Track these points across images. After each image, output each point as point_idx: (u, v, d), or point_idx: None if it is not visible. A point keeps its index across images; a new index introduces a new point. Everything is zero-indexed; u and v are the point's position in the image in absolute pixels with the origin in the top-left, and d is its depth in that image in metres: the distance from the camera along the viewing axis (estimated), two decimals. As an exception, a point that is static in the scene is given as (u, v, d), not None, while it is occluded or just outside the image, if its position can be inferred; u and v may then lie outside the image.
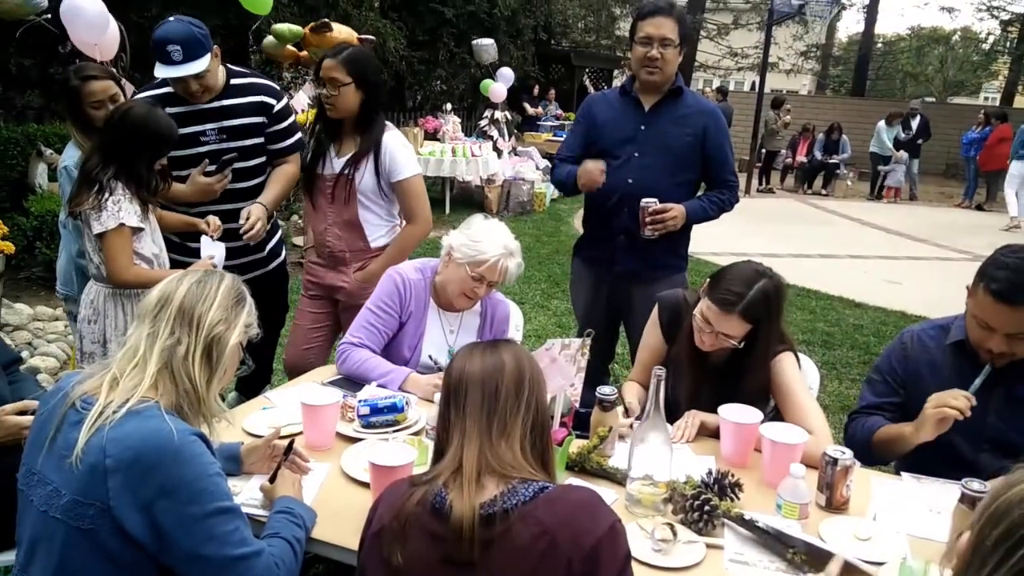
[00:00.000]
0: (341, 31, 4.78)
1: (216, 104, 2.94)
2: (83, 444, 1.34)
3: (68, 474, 1.36)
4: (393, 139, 2.91)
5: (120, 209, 2.51)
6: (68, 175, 2.85)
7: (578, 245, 3.23)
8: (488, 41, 10.32)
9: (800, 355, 2.64)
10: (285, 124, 3.08)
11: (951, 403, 1.88)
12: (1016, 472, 1.02)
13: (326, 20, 5.12)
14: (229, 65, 3.02)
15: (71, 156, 2.90)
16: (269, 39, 5.42)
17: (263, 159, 3.08)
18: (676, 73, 2.92)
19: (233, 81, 2.99)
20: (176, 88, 2.89)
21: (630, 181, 2.88)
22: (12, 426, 1.85)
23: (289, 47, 5.34)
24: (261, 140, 3.04)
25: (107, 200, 2.50)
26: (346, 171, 2.89)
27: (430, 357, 2.51)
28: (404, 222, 3.05)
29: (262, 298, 2.58)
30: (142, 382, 1.42)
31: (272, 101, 3.03)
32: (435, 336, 2.54)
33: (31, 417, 1.80)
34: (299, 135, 3.18)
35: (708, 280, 2.18)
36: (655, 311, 2.40)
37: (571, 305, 3.47)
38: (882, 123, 13.98)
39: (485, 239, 2.37)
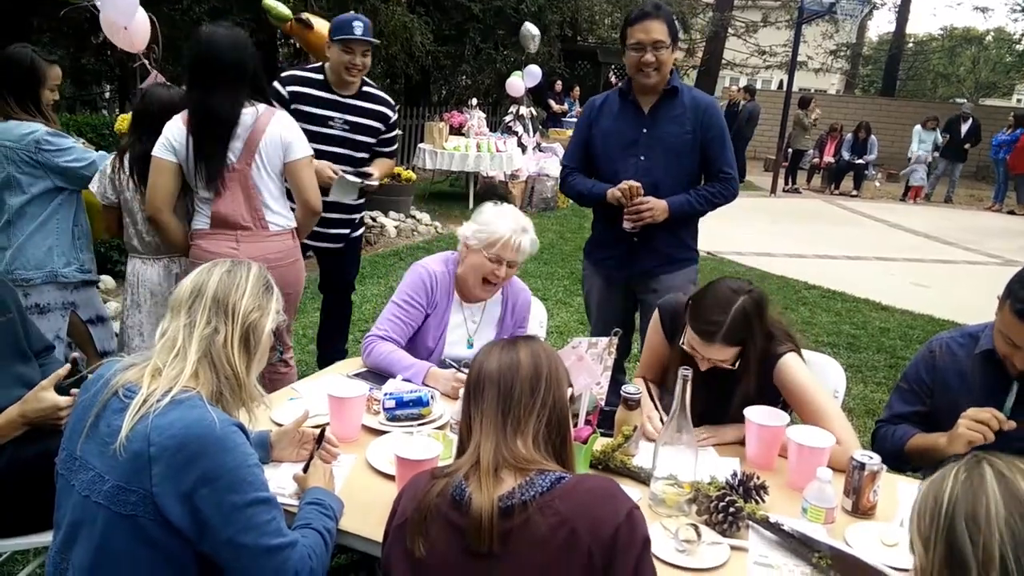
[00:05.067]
0: (321, 30, 4.70)
1: (350, 101, 3.56)
2: (127, 431, 1.37)
3: (111, 460, 1.38)
4: None
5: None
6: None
7: (588, 248, 3.27)
8: (535, 31, 10.33)
9: (825, 357, 2.64)
10: (393, 134, 3.77)
11: (982, 428, 1.88)
12: (929, 487, 1.10)
13: (307, 18, 5.00)
14: (364, 78, 3.65)
15: None
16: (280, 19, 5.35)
17: (368, 156, 3.69)
18: (672, 72, 2.95)
19: (365, 88, 3.62)
20: (345, 60, 3.42)
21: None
22: (50, 405, 1.86)
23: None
24: (373, 141, 3.66)
25: None
26: None
27: (451, 360, 2.54)
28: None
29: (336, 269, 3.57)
30: (184, 371, 1.44)
31: (390, 114, 3.69)
32: (458, 327, 2.58)
33: (67, 398, 1.84)
34: (397, 143, 3.89)
35: (689, 303, 2.14)
36: (655, 317, 2.40)
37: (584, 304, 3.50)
38: (918, 127, 13.80)
39: (496, 220, 2.44)
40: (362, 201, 3.79)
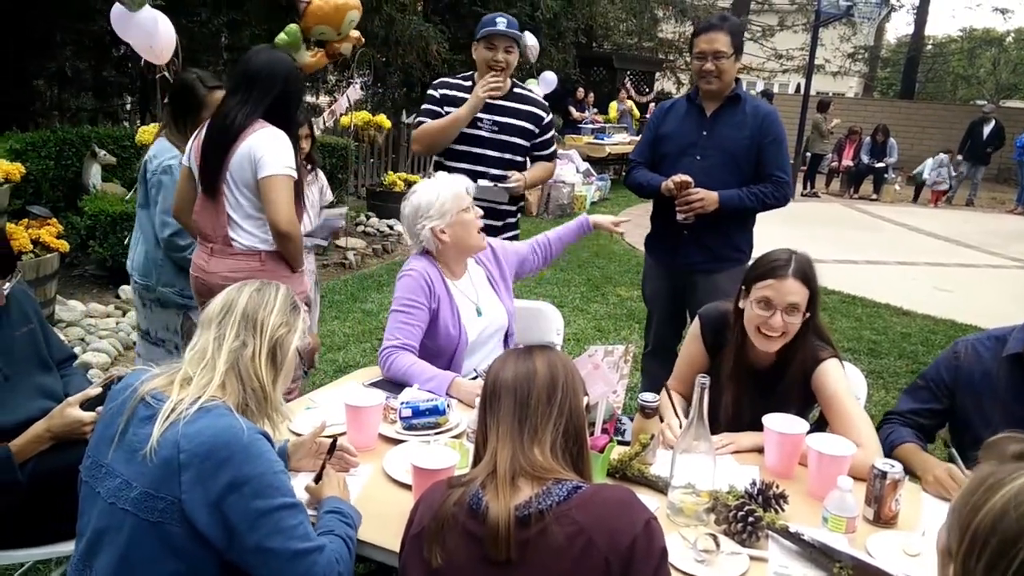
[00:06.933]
0: (321, 3, 4.67)
1: (499, 102, 3.47)
2: (157, 438, 1.39)
3: (140, 467, 1.41)
4: None
5: None
6: (171, 171, 3.04)
7: (647, 240, 3.46)
8: (531, 41, 10.32)
9: (845, 363, 2.61)
10: (548, 136, 3.62)
11: (949, 490, 1.86)
12: (978, 489, 0.97)
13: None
14: (514, 80, 3.62)
15: (171, 151, 3.08)
16: (301, 55, 5.44)
17: (523, 160, 3.56)
18: (736, 81, 3.16)
19: (516, 90, 3.56)
20: (488, 57, 3.36)
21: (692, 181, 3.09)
22: (74, 420, 1.90)
23: (315, 52, 5.32)
24: (527, 144, 3.53)
25: None
26: None
27: (474, 370, 2.56)
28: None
29: None
30: (212, 381, 1.48)
31: (543, 114, 3.57)
32: (465, 304, 2.62)
33: (91, 414, 1.87)
34: (556, 146, 3.77)
35: (743, 282, 2.19)
36: (696, 325, 2.38)
37: (641, 294, 3.67)
38: (943, 155, 13.70)
39: (439, 193, 2.52)
40: (512, 208, 3.58)
